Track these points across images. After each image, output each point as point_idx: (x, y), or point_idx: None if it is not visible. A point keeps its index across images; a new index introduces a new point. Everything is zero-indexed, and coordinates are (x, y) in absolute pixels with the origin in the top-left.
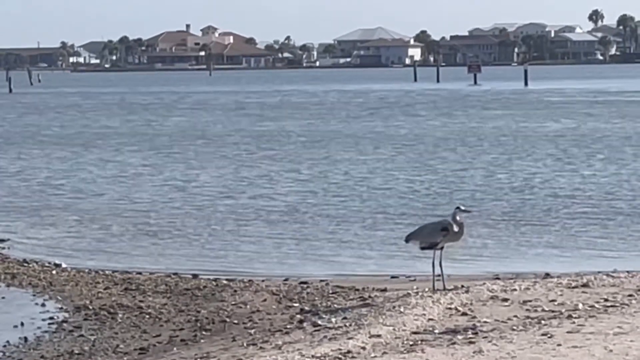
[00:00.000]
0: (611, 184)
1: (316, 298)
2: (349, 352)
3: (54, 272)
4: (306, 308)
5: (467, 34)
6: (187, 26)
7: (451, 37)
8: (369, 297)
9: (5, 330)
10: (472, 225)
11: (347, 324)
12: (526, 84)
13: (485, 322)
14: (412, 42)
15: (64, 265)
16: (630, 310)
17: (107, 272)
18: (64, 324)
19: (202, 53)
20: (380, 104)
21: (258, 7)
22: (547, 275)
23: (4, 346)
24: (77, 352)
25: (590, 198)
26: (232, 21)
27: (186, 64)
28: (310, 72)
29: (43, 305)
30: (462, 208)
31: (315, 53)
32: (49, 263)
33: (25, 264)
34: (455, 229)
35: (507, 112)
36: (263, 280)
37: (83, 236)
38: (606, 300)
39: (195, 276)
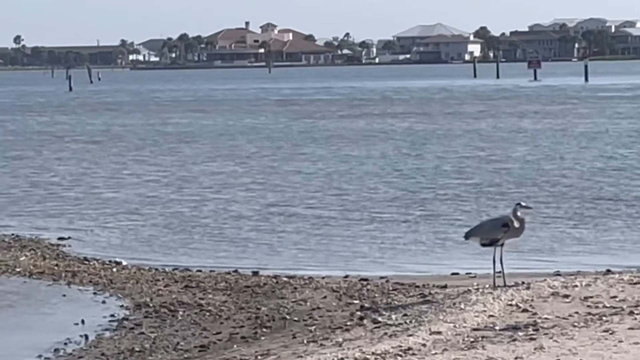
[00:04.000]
0: None
1: (376, 295)
2: (409, 349)
3: (114, 269)
4: (366, 305)
5: (527, 29)
6: (247, 23)
7: (511, 32)
8: (429, 293)
9: (66, 328)
10: (532, 221)
11: (408, 321)
12: (587, 79)
13: (546, 318)
14: (471, 38)
15: (124, 263)
16: None
17: (167, 269)
18: (125, 322)
19: (262, 50)
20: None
21: (317, 4)
22: (609, 271)
23: (65, 344)
24: (137, 349)
25: None
26: (291, 18)
27: (245, 61)
28: (369, 69)
29: (104, 302)
30: (523, 204)
31: (374, 49)
32: (110, 261)
33: (86, 262)
34: (516, 224)
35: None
36: (323, 278)
37: (142, 234)
38: None
39: (255, 273)
